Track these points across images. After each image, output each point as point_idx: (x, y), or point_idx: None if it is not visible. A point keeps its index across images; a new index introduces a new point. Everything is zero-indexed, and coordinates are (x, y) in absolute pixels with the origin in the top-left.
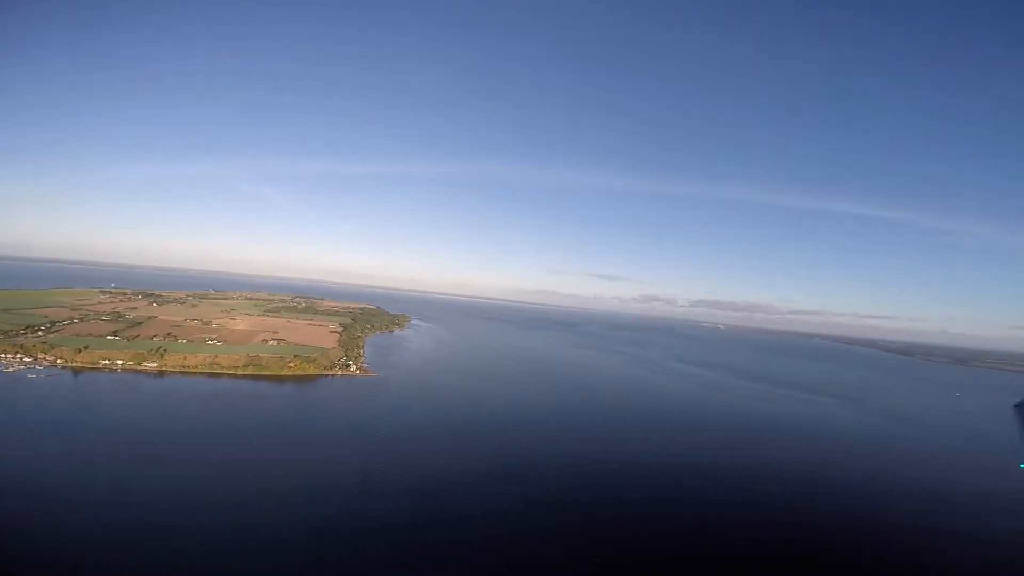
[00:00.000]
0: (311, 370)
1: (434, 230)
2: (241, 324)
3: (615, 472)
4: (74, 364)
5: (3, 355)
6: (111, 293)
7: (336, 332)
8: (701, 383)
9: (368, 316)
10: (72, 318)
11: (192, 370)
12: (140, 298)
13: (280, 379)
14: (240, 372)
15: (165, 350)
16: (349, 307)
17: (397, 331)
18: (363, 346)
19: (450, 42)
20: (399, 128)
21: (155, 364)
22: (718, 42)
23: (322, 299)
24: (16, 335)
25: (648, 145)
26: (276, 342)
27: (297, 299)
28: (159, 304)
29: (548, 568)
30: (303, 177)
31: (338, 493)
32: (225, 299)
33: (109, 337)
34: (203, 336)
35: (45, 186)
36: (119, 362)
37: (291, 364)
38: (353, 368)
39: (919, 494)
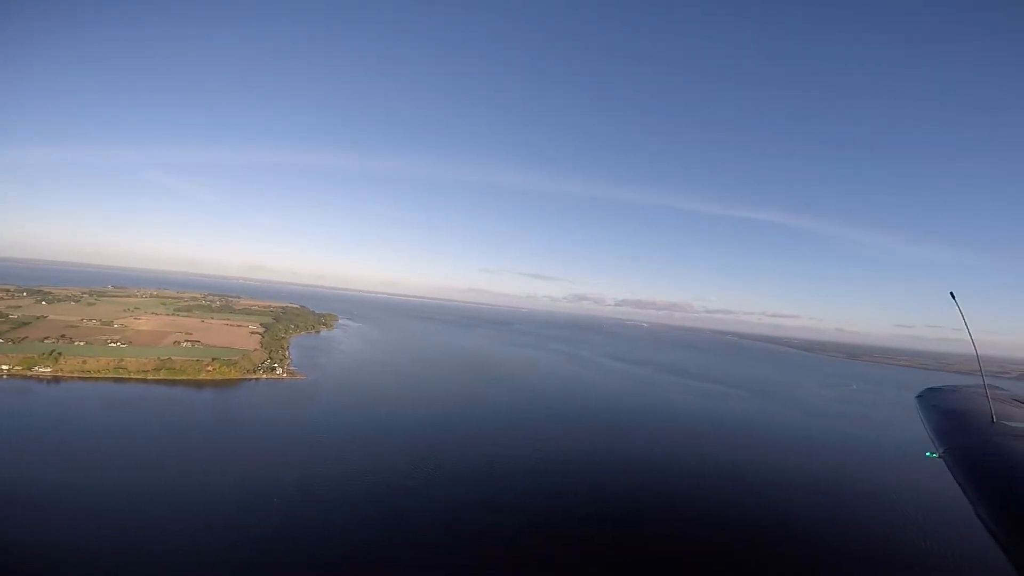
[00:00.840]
0: (232, 374)
1: (362, 226)
2: (148, 324)
3: (556, 469)
4: None
5: None
6: None
7: (257, 333)
8: (628, 378)
9: (292, 315)
10: None
11: (94, 375)
12: (25, 295)
13: (198, 384)
14: (151, 377)
15: (60, 353)
16: (270, 306)
17: (324, 331)
18: (288, 347)
19: (380, 28)
20: (325, 118)
21: (49, 369)
22: (656, 43)
23: (239, 297)
24: None
25: (580, 149)
26: (190, 344)
27: (211, 297)
28: (48, 303)
29: (496, 569)
30: (218, 168)
31: (277, 501)
32: (127, 296)
33: None
34: (103, 337)
35: None
36: (4, 367)
37: (209, 368)
38: (279, 371)
39: (835, 484)
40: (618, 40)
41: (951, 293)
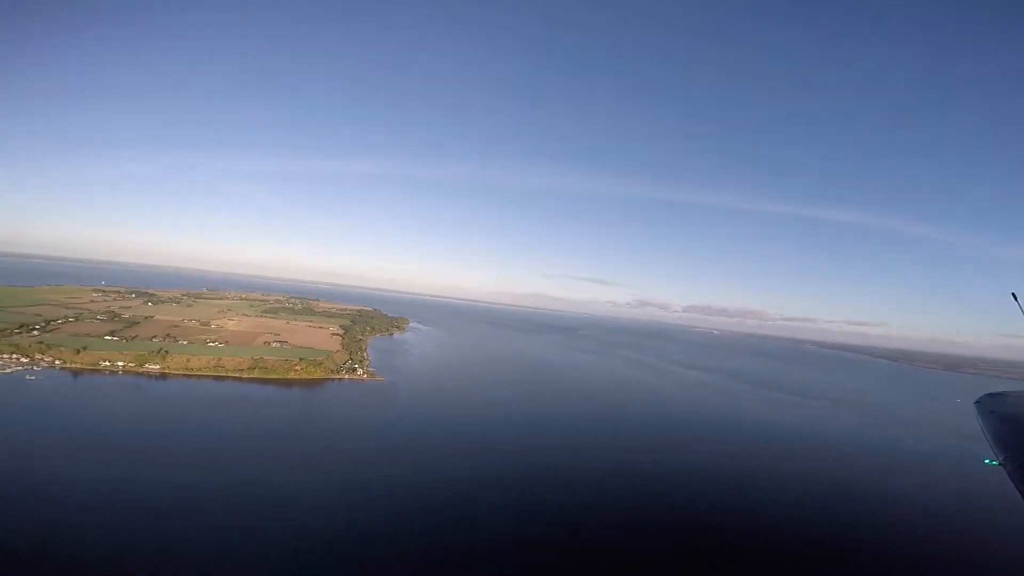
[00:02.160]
0: (317, 374)
1: (429, 232)
2: (240, 325)
3: (626, 474)
4: (73, 365)
5: None
6: (103, 291)
7: (337, 334)
8: (699, 387)
9: (367, 318)
10: (67, 317)
11: (196, 372)
12: (134, 296)
13: (287, 383)
14: (246, 375)
15: (167, 351)
16: (346, 309)
17: (397, 334)
18: (366, 349)
19: (453, 43)
20: (395, 128)
21: (157, 366)
22: (715, 46)
23: (317, 300)
24: (11, 334)
25: (645, 151)
26: (279, 344)
27: (292, 300)
28: (154, 303)
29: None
30: (296, 176)
31: (364, 500)
32: (220, 299)
33: (107, 337)
34: (203, 337)
35: (28, 181)
36: (120, 364)
37: (297, 367)
38: (360, 372)
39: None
40: (688, 42)
41: (1012, 295)
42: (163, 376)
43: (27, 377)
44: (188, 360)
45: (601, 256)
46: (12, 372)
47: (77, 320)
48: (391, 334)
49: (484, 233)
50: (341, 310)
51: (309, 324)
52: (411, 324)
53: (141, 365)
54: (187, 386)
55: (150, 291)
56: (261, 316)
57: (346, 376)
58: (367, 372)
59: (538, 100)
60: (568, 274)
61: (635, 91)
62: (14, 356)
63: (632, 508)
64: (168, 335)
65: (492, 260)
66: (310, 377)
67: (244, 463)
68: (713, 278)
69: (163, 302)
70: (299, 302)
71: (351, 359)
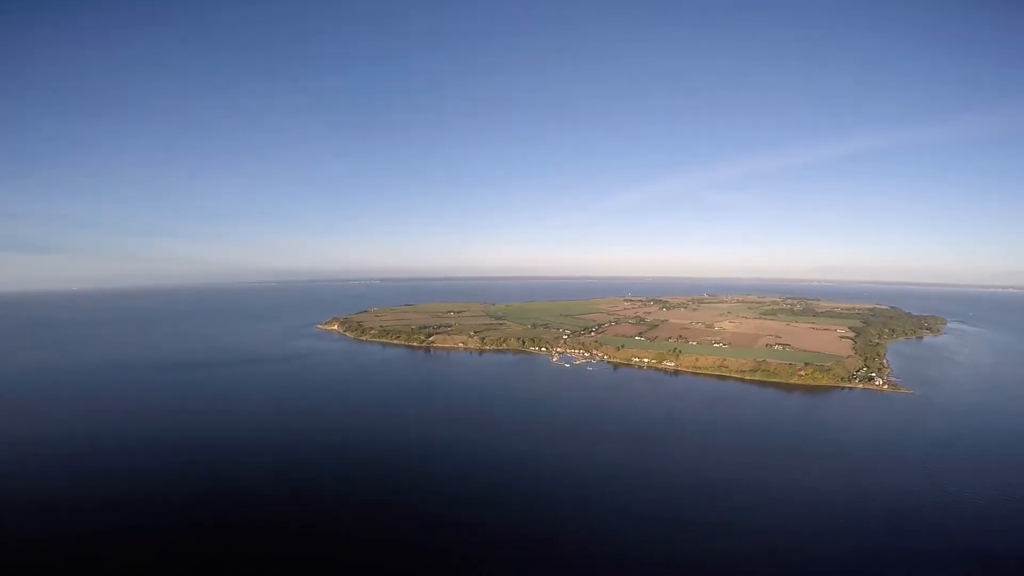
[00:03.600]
0: (824, 380)
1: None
2: (740, 327)
3: None
4: (614, 360)
5: (571, 351)
6: (631, 300)
7: (847, 338)
8: None
9: (883, 318)
10: (610, 321)
11: (702, 371)
12: (652, 304)
13: (788, 387)
14: (747, 377)
15: (679, 351)
16: (854, 308)
17: (928, 337)
18: (884, 355)
19: None
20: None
21: (672, 363)
22: None
23: (817, 300)
24: (579, 335)
25: None
26: (780, 347)
27: (789, 300)
28: (667, 309)
29: None
30: (764, 176)
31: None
32: (719, 303)
33: (636, 338)
34: (708, 339)
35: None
36: (645, 360)
37: (801, 372)
38: (878, 382)
39: None
40: None
41: None
42: (676, 372)
43: (587, 368)
44: (696, 359)
45: None
46: (579, 363)
47: (617, 324)
48: (920, 337)
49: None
50: (848, 309)
51: (812, 326)
52: (949, 324)
53: (660, 362)
54: (694, 383)
55: (663, 298)
56: (760, 318)
57: (859, 385)
58: (887, 382)
59: None
60: None
61: None
62: (580, 351)
63: None
64: (680, 336)
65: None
66: (815, 383)
67: (742, 460)
68: None
69: (674, 307)
70: (797, 302)
71: (866, 366)
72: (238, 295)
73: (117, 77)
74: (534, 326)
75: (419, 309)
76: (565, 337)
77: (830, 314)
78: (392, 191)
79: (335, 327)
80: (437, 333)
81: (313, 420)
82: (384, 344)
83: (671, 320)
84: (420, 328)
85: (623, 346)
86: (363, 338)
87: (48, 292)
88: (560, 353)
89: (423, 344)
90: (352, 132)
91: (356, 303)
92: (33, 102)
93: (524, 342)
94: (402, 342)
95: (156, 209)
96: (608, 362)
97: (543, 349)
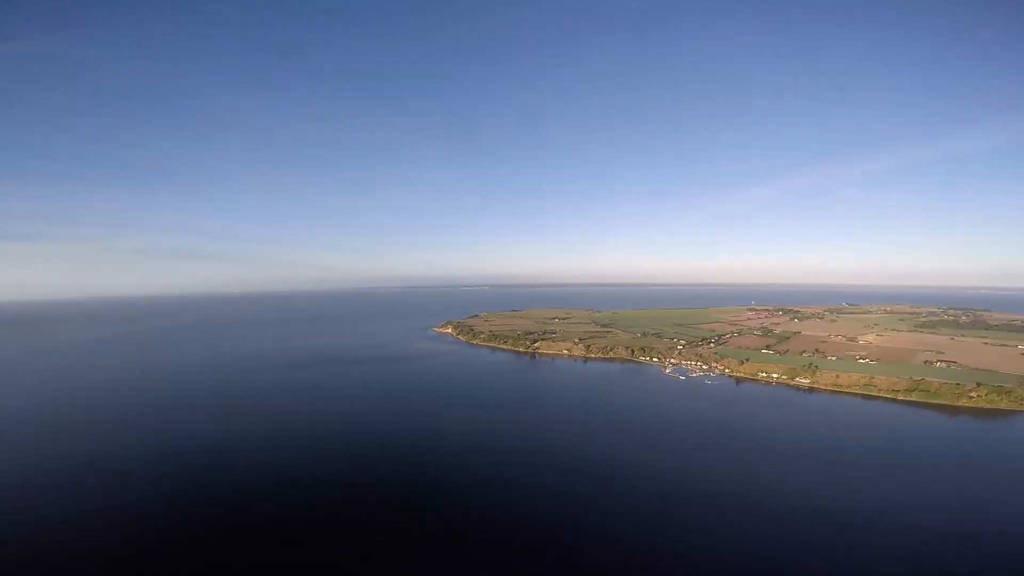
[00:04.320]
0: (1002, 403)
1: None
2: (891, 341)
3: None
4: (737, 374)
5: (686, 362)
6: (755, 310)
7: None
8: None
9: None
10: (731, 332)
11: (844, 389)
12: (781, 314)
13: (954, 410)
14: (901, 397)
15: (816, 366)
16: None
17: None
18: None
19: None
20: None
21: (807, 380)
22: None
23: (988, 310)
24: (695, 345)
25: None
26: (943, 364)
27: (952, 311)
28: (799, 319)
29: None
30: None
31: None
32: (863, 313)
33: (764, 351)
34: (851, 353)
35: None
36: (774, 375)
37: (973, 393)
38: None
39: None
40: None
41: None
42: (811, 390)
43: (706, 382)
44: (837, 376)
45: None
46: (696, 376)
47: (739, 335)
48: None
49: None
50: None
51: (984, 341)
52: None
53: (792, 378)
54: (835, 401)
55: (794, 308)
56: (915, 331)
57: None
58: None
59: None
60: None
61: None
62: (697, 363)
63: None
64: (816, 350)
65: None
66: (991, 406)
67: (904, 486)
68: None
69: (807, 318)
70: (963, 313)
71: None
72: (366, 299)
73: (262, 107)
74: (644, 335)
75: (525, 315)
76: (680, 347)
77: (1008, 327)
78: (506, 206)
79: (449, 330)
80: (542, 339)
81: (431, 421)
82: (492, 348)
83: (804, 332)
84: (525, 334)
85: (748, 359)
86: (474, 341)
87: (209, 295)
88: (674, 364)
89: (528, 350)
90: (474, 158)
91: (468, 308)
92: (210, 130)
93: (633, 351)
94: (509, 347)
95: (302, 223)
96: (730, 376)
97: (654, 359)
